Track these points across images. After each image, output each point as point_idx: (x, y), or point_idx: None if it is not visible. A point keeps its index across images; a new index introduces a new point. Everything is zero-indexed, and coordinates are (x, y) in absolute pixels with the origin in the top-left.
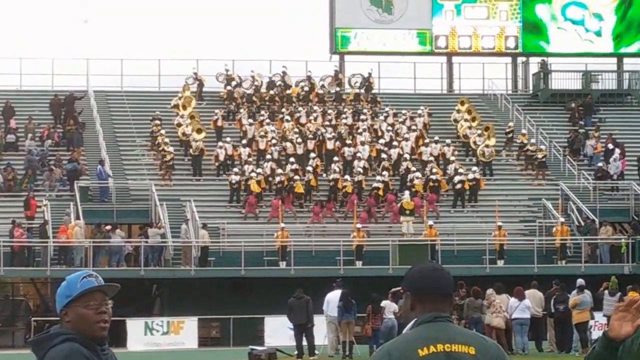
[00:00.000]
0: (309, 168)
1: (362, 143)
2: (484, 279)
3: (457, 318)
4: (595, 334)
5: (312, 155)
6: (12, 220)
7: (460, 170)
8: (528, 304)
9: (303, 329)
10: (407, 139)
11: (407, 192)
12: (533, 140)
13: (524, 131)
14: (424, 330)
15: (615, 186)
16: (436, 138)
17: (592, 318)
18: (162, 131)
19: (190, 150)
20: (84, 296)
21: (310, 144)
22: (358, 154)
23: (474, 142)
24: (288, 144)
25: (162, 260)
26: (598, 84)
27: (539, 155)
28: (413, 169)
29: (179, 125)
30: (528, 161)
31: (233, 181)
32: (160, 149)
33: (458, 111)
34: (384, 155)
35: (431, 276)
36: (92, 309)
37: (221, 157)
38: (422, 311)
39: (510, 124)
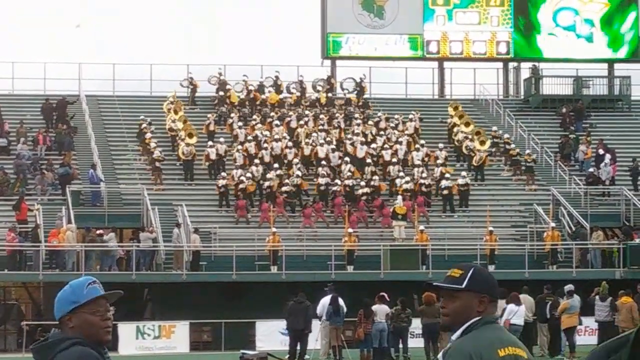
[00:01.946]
0: (299, 172)
1: (361, 143)
2: None
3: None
4: (583, 339)
5: (296, 160)
6: (11, 225)
7: (447, 175)
8: (524, 309)
9: (300, 334)
10: (400, 143)
11: (399, 197)
12: (513, 146)
13: (507, 135)
14: (494, 331)
15: (607, 191)
16: (422, 142)
17: (580, 323)
18: (149, 134)
19: (182, 155)
20: (91, 303)
21: (306, 150)
22: (346, 158)
23: (466, 147)
24: (276, 144)
25: (154, 265)
26: (589, 89)
27: (527, 160)
28: (401, 174)
29: (171, 129)
30: (514, 165)
31: (220, 185)
32: (149, 151)
33: (452, 116)
34: (376, 160)
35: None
36: (99, 315)
37: (212, 156)
38: (487, 313)
39: (494, 128)
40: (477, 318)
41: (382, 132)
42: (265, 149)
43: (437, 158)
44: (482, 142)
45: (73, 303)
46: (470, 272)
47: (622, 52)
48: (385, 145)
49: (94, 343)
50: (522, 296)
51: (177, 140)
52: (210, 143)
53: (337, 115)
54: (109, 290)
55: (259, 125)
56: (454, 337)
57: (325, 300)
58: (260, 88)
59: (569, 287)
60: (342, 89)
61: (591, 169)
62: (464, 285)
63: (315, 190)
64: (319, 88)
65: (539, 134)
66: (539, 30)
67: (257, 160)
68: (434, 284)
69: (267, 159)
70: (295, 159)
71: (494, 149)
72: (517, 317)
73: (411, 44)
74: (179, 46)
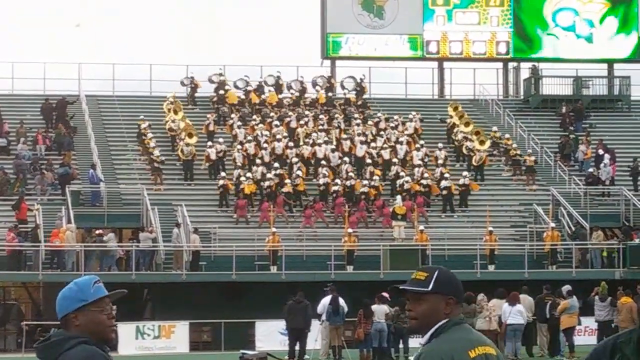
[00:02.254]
0: (299, 172)
1: (361, 142)
2: (475, 284)
3: None
4: (583, 339)
5: (295, 160)
6: (12, 224)
7: (447, 175)
8: (521, 309)
9: (300, 333)
10: (401, 143)
11: (399, 197)
12: (515, 145)
13: (507, 135)
14: (463, 332)
15: (606, 192)
16: (422, 142)
17: (579, 323)
18: (150, 134)
19: (182, 155)
20: (98, 301)
21: (306, 150)
22: (346, 158)
23: (466, 147)
24: (277, 144)
25: (154, 265)
26: (589, 89)
27: (527, 161)
28: (402, 173)
29: (171, 129)
30: (515, 166)
31: (220, 185)
32: (148, 151)
33: (451, 116)
34: (376, 160)
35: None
36: (106, 314)
37: (212, 157)
38: (454, 315)
39: (495, 128)
40: (445, 320)
41: (382, 132)
42: (265, 149)
43: (437, 158)
44: (482, 142)
45: (81, 301)
46: (436, 274)
47: (635, 36)
48: (385, 145)
49: (99, 342)
50: (521, 296)
51: (177, 140)
52: (210, 143)
53: (336, 115)
54: (109, 290)
55: (259, 126)
56: (422, 340)
57: (326, 300)
58: (260, 88)
59: (566, 287)
60: (343, 88)
61: (591, 169)
62: (430, 288)
63: (316, 190)
64: (318, 87)
65: (539, 134)
66: (533, 22)
67: (258, 161)
68: (400, 287)
69: (267, 159)
70: (295, 159)
71: (494, 150)
72: (512, 316)
73: (411, 44)
74: (178, 46)
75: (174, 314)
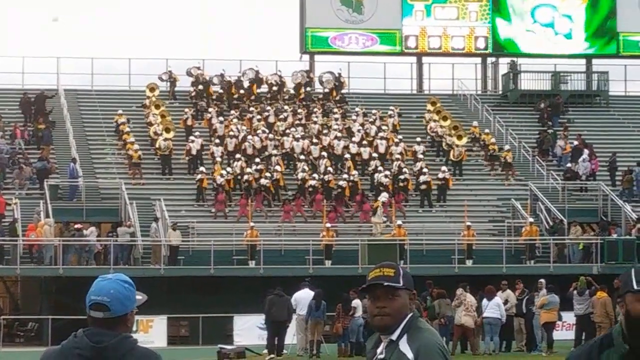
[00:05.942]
0: (277, 167)
1: (338, 138)
2: (453, 278)
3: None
4: (561, 334)
5: (275, 152)
6: None
7: (425, 170)
8: (499, 303)
9: (280, 326)
10: (383, 138)
11: (385, 194)
12: (493, 140)
13: (487, 130)
14: (426, 324)
15: (584, 186)
16: (400, 137)
17: (560, 319)
18: (127, 128)
19: (160, 149)
20: None
21: (286, 143)
22: (323, 153)
23: (446, 143)
24: (256, 139)
25: (132, 259)
26: (567, 84)
27: (505, 156)
28: (380, 168)
29: (151, 124)
30: (493, 160)
31: (198, 178)
32: (127, 147)
33: (429, 111)
34: (353, 154)
35: None
36: None
37: (193, 152)
38: (412, 310)
39: (475, 123)
40: (411, 314)
41: (360, 128)
42: (242, 143)
43: (415, 152)
44: (460, 137)
45: (136, 301)
46: (401, 270)
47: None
48: (364, 141)
49: None
50: (506, 292)
51: (156, 134)
52: (191, 138)
53: (315, 110)
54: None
55: (236, 120)
56: (394, 336)
57: (302, 294)
58: (239, 82)
59: (542, 281)
60: (321, 84)
61: (569, 164)
62: (401, 284)
63: (295, 185)
64: (299, 79)
65: (517, 129)
66: (512, 17)
67: (237, 155)
68: (385, 283)
69: (249, 151)
70: (274, 151)
71: (474, 145)
72: (488, 310)
73: (390, 39)
74: (157, 41)
75: (151, 309)
